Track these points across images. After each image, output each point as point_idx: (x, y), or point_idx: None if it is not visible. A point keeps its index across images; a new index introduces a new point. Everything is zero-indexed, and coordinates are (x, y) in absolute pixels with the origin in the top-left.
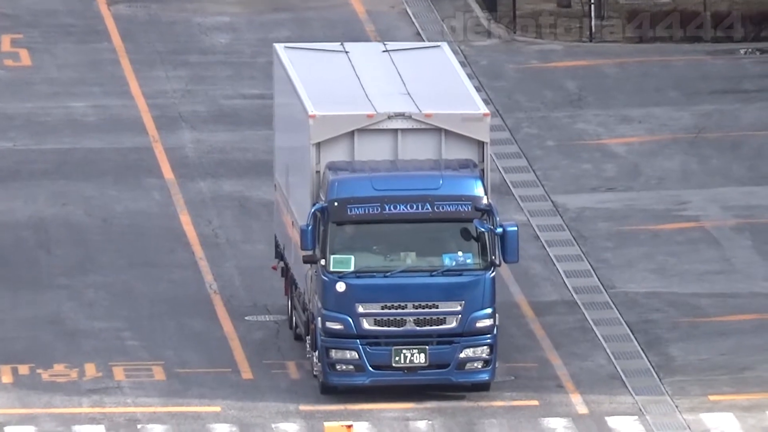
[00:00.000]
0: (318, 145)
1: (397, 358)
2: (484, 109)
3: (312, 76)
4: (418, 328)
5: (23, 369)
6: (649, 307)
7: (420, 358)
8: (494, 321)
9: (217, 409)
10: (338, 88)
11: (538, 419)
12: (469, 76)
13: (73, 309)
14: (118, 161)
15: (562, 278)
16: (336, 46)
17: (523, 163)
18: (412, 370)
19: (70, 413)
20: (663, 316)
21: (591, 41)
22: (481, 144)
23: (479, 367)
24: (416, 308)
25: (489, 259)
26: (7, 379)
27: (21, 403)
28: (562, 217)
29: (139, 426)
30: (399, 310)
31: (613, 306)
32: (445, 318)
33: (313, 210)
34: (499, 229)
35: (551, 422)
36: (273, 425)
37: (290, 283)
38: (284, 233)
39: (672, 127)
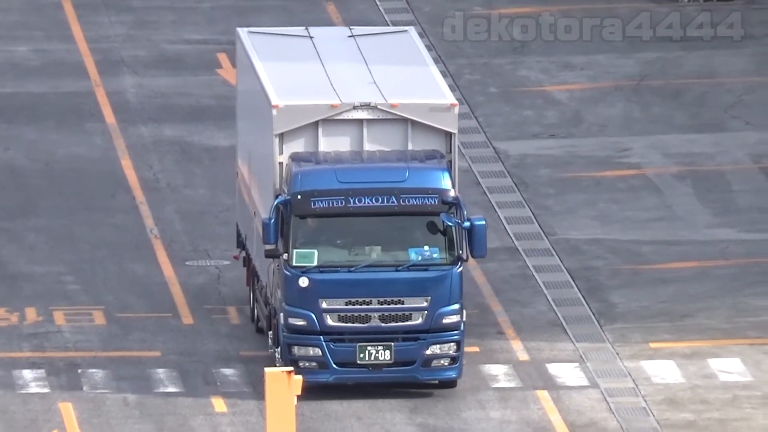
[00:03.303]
0: (281, 135)
1: (361, 356)
2: (451, 99)
3: (275, 64)
4: (383, 324)
5: None
6: (590, 254)
7: (385, 355)
8: (461, 317)
9: (158, 353)
10: (302, 76)
11: (479, 366)
12: (411, 23)
13: (14, 252)
14: (60, 105)
15: (504, 225)
16: (300, 30)
17: (465, 110)
18: (377, 367)
19: (11, 357)
20: (604, 263)
21: None
22: (448, 135)
23: (446, 364)
24: (381, 304)
25: (456, 254)
26: None
27: None
28: (503, 164)
29: (79, 370)
30: (363, 306)
31: (554, 253)
32: (410, 314)
33: (275, 203)
34: (467, 223)
35: (492, 369)
36: (213, 370)
37: (252, 275)
38: (246, 223)
39: (614, 75)
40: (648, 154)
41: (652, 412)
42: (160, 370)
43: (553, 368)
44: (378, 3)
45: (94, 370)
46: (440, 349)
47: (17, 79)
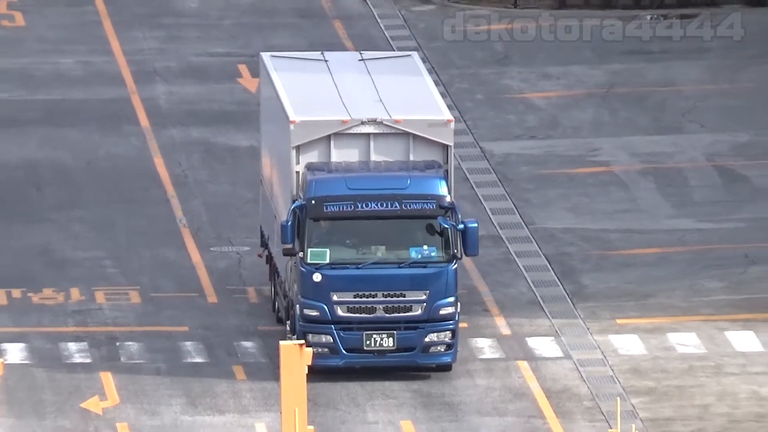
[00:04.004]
0: (298, 147)
1: (368, 342)
2: (448, 115)
3: (294, 84)
4: (387, 315)
5: (16, 293)
6: (565, 241)
7: (389, 342)
8: (456, 308)
9: (186, 328)
10: (317, 94)
11: (467, 339)
12: (408, 38)
13: (60, 240)
14: (100, 111)
15: (489, 215)
16: (317, 55)
17: (455, 114)
18: (382, 353)
19: (57, 332)
20: (577, 249)
21: (516, 7)
22: (445, 147)
23: (442, 350)
24: (385, 297)
25: (451, 253)
26: (2, 301)
27: (14, 323)
28: (489, 162)
29: (117, 343)
30: (370, 299)
31: (533, 240)
32: (411, 306)
33: (292, 207)
34: (461, 226)
35: (479, 342)
36: (234, 343)
37: (273, 271)
38: (269, 225)
39: (586, 83)
40: (615, 153)
41: (618, 380)
42: (188, 343)
43: (531, 341)
44: (379, 20)
45: (130, 343)
46: (437, 336)
47: (63, 87)
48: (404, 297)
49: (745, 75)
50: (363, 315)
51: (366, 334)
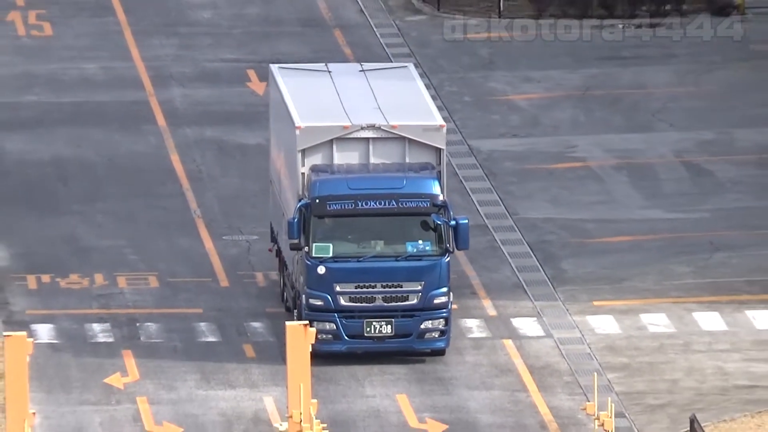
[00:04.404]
0: (303, 151)
1: (368, 329)
2: (441, 120)
3: (299, 93)
4: (385, 304)
5: (45, 278)
6: (546, 230)
7: (387, 329)
8: (449, 298)
9: (200, 310)
10: (321, 102)
11: (457, 320)
12: (402, 45)
13: (85, 230)
14: (121, 112)
15: (476, 207)
16: (321, 66)
17: (444, 114)
18: (381, 339)
19: (83, 314)
20: (557, 237)
21: (500, 17)
22: (438, 150)
23: (436, 336)
24: (384, 287)
25: (444, 247)
26: (32, 285)
27: (43, 305)
28: (476, 158)
29: (137, 324)
30: (370, 289)
31: (517, 229)
32: (408, 296)
33: (298, 205)
34: (453, 222)
35: (467, 322)
36: (244, 324)
37: (282, 264)
38: (278, 222)
39: (565, 86)
40: (591, 150)
41: (595, 357)
42: (202, 324)
43: (516, 322)
44: (375, 29)
45: (149, 324)
46: (432, 324)
47: (87, 90)
48: (401, 287)
49: (708, 78)
50: (363, 304)
51: (366, 322)
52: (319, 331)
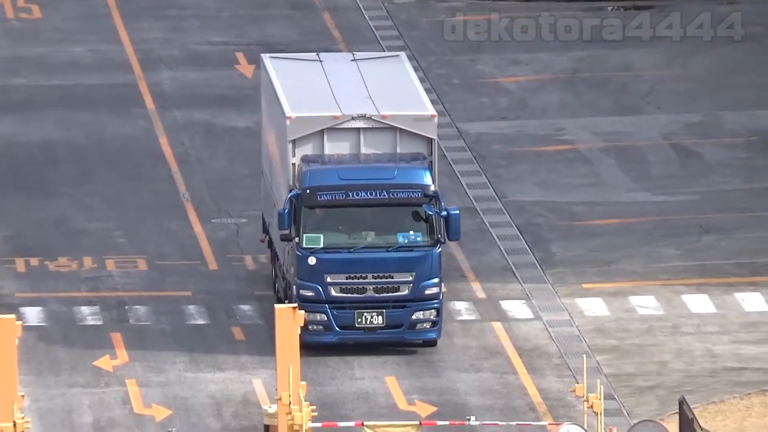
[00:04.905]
0: (294, 141)
1: (359, 320)
2: (432, 110)
3: (291, 82)
4: (376, 294)
5: (34, 261)
6: (534, 213)
7: (378, 320)
8: (440, 289)
9: (189, 293)
10: (312, 92)
11: (447, 303)
12: (390, 28)
13: (74, 212)
14: (110, 94)
15: (465, 189)
16: (312, 56)
17: (433, 97)
18: (372, 329)
19: (71, 296)
20: (545, 220)
21: (488, 0)
22: (429, 140)
23: (428, 327)
24: (375, 278)
25: (435, 238)
26: (21, 268)
27: (32, 288)
28: (464, 140)
29: (126, 307)
30: (361, 280)
31: (505, 212)
32: (399, 286)
33: (289, 196)
34: (444, 213)
35: (457, 305)
36: (233, 306)
37: (273, 255)
38: (269, 213)
39: (553, 69)
40: (579, 132)
41: (584, 339)
42: (191, 306)
43: (505, 304)
44: (364, 12)
45: (138, 307)
46: (423, 314)
47: (76, 73)
48: (392, 278)
49: (696, 61)
50: (354, 295)
51: (357, 313)
52: (309, 322)
